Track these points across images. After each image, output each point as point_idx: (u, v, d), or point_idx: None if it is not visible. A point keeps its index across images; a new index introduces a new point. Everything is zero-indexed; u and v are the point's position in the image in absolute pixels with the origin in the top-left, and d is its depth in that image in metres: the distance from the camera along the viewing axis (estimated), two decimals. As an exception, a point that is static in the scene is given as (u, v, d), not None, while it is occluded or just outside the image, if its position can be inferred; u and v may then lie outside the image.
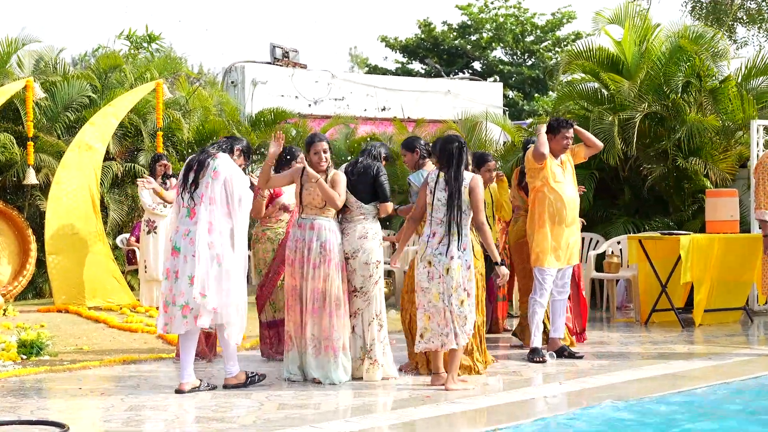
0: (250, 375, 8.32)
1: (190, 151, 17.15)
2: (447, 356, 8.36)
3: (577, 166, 10.06)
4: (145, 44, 20.62)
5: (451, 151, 8.26)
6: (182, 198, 8.14)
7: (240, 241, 8.15)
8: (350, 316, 8.60)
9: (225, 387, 8.18)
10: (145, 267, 13.53)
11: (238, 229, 8.12)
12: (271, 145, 8.51)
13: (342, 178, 8.57)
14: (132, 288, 14.43)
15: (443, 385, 8.18)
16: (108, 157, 15.28)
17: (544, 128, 9.72)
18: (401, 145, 9.50)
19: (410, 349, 9.02)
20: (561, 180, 9.70)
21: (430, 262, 8.18)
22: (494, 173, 10.15)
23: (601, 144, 10.13)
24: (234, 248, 8.12)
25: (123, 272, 14.55)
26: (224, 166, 8.10)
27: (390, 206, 8.72)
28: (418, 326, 8.30)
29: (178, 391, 8.01)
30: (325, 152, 8.60)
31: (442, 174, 8.26)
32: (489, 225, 8.53)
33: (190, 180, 8.11)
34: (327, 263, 8.45)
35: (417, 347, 8.31)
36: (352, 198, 8.62)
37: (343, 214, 8.69)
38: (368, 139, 17.15)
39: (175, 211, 8.28)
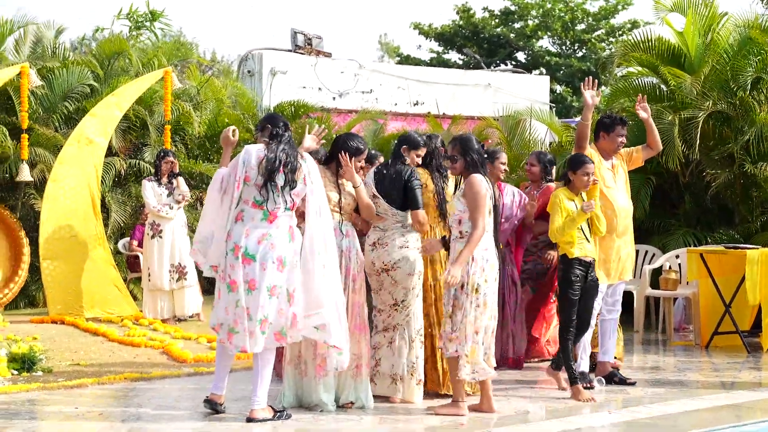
0: (278, 410, 8.04)
1: (200, 146, 17.24)
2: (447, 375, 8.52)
3: (631, 171, 10.04)
4: (147, 23, 20.71)
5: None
6: (256, 200, 7.89)
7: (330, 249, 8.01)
8: (387, 329, 8.68)
9: (248, 420, 7.90)
10: (149, 275, 13.61)
11: (326, 234, 8.00)
12: (306, 139, 8.35)
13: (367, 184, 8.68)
14: (135, 298, 14.52)
15: (463, 415, 8.21)
16: (110, 152, 15.38)
17: (587, 118, 9.54)
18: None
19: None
20: (611, 185, 9.68)
21: (496, 279, 8.36)
22: (589, 178, 9.26)
23: (661, 145, 10.10)
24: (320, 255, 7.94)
25: (125, 280, 14.65)
26: (314, 170, 8.02)
27: (422, 214, 8.66)
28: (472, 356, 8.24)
29: (210, 402, 8.03)
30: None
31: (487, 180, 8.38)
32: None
33: (278, 180, 7.87)
34: (361, 273, 8.56)
35: (477, 376, 8.29)
36: (386, 205, 8.68)
37: (374, 222, 8.74)
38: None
39: (223, 205, 7.98)
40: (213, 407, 8.05)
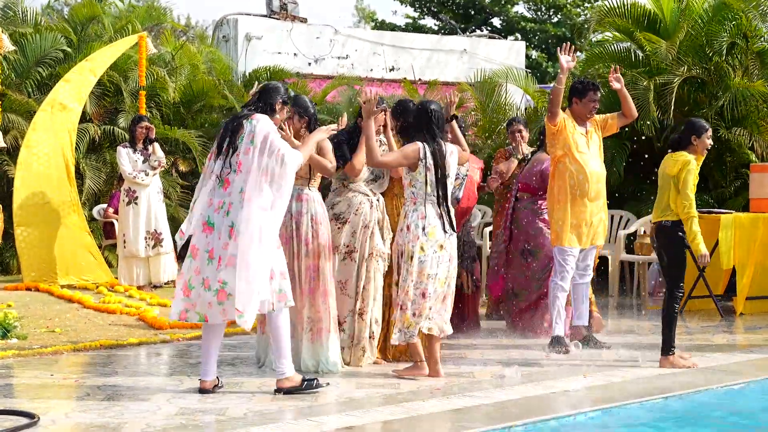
0: (307, 379, 7.85)
1: (175, 112, 17.17)
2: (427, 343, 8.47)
3: (606, 137, 10.05)
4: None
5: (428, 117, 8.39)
6: (214, 165, 7.75)
7: (278, 215, 7.68)
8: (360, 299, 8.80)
9: (277, 391, 7.76)
10: (125, 242, 13.56)
11: (279, 200, 7.63)
12: (320, 131, 8.21)
13: (329, 145, 8.62)
14: (110, 265, 14.49)
15: (425, 374, 8.31)
16: (84, 118, 15.30)
17: (561, 82, 9.55)
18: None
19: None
20: (584, 150, 9.68)
21: (442, 246, 8.29)
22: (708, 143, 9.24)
23: (636, 112, 10.09)
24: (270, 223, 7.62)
25: (100, 247, 14.60)
26: (262, 128, 7.66)
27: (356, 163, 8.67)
28: (404, 316, 8.31)
29: (202, 391, 7.75)
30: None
31: (429, 146, 8.32)
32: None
33: (225, 145, 7.72)
34: (318, 237, 8.54)
35: (402, 338, 8.36)
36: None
37: (345, 181, 8.81)
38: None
39: (203, 181, 7.81)
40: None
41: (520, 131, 11.32)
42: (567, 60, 9.55)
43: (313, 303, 8.54)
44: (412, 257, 8.23)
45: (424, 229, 8.24)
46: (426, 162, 8.26)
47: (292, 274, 8.39)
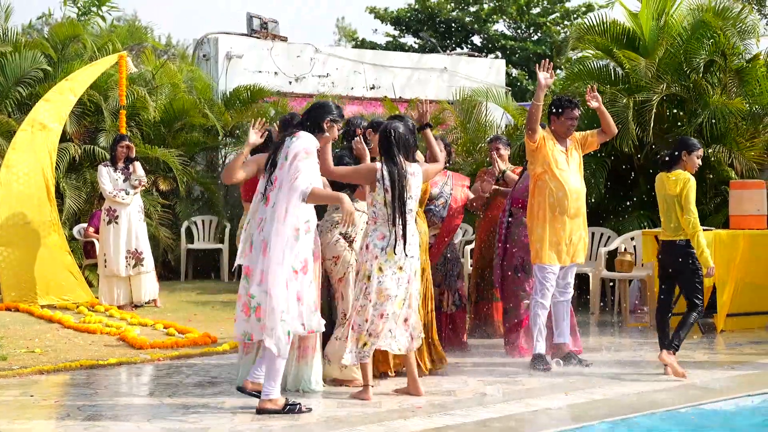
0: (290, 403, 7.80)
1: (156, 131, 17.15)
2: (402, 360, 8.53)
3: (586, 154, 10.08)
4: (94, 9, 20.48)
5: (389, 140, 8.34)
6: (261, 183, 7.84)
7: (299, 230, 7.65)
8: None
9: (259, 412, 7.71)
10: (105, 261, 13.53)
11: (293, 215, 7.61)
12: (250, 134, 8.27)
13: None
14: (90, 284, 14.44)
15: (369, 399, 8.20)
16: (64, 137, 15.27)
17: (540, 99, 9.57)
18: (369, 126, 9.45)
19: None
20: (564, 168, 9.71)
21: (401, 267, 8.24)
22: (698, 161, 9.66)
23: (615, 129, 10.13)
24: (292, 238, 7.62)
25: (80, 266, 14.56)
26: (296, 145, 7.69)
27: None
28: (360, 336, 8.28)
29: (260, 412, 7.69)
30: None
31: (387, 167, 8.29)
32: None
33: (269, 163, 7.80)
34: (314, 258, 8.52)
35: (351, 359, 8.31)
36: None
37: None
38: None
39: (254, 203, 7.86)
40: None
41: (498, 149, 11.33)
42: (545, 76, 9.59)
43: None
44: (369, 277, 8.21)
45: (383, 249, 8.22)
46: (384, 183, 8.23)
47: None
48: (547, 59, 9.87)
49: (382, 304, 8.22)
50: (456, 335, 10.73)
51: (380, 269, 8.20)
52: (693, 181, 9.38)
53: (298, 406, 7.74)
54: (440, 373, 9.34)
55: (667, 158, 9.62)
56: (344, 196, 7.85)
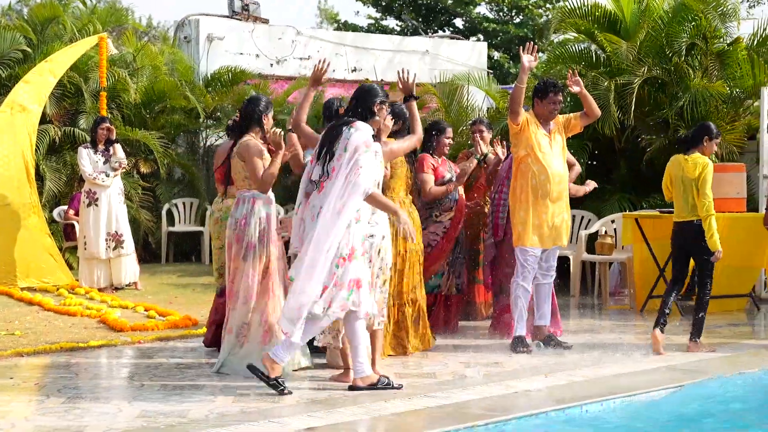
0: (381, 379, 7.92)
1: (137, 113, 17.10)
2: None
3: (567, 137, 10.09)
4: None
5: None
6: (313, 171, 7.89)
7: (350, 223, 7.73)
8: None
9: (352, 388, 7.87)
10: (85, 243, 13.51)
11: (349, 209, 7.69)
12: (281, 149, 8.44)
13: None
14: (70, 267, 14.41)
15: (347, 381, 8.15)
16: (44, 119, 15.21)
17: (523, 81, 9.59)
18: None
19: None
20: (547, 151, 9.72)
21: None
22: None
23: (599, 112, 10.13)
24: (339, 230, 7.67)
25: (60, 249, 14.52)
26: (355, 139, 7.71)
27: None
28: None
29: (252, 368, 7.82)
30: None
31: None
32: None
33: (324, 151, 7.81)
34: (266, 240, 8.58)
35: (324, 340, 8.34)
36: None
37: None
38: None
39: (303, 186, 7.95)
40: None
41: (481, 131, 11.32)
42: (529, 59, 9.59)
43: (264, 308, 8.53)
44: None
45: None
46: None
47: (238, 276, 8.46)
48: (531, 42, 9.88)
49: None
50: (449, 317, 10.72)
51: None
52: (711, 166, 9.69)
53: (388, 382, 7.88)
54: (421, 354, 9.36)
55: (687, 140, 9.97)
56: (399, 209, 7.96)
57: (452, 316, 10.78)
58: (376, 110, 7.99)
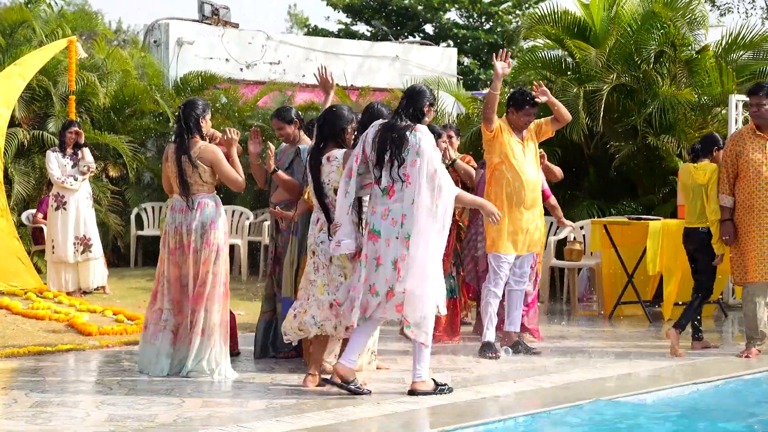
0: (440, 384, 7.98)
1: (106, 117, 17.04)
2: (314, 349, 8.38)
3: (540, 142, 10.13)
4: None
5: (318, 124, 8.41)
6: (374, 174, 7.90)
7: (444, 224, 7.88)
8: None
9: (410, 393, 7.86)
10: (53, 247, 13.45)
11: (442, 209, 7.82)
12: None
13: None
14: (38, 270, 14.32)
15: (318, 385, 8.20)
16: (13, 122, 15.13)
17: (497, 88, 9.61)
18: (274, 116, 9.56)
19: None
20: (521, 158, 9.76)
21: (314, 252, 8.19)
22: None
23: (569, 116, 10.15)
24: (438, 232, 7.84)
25: (28, 252, 14.44)
26: (425, 146, 7.79)
27: None
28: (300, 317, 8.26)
29: (325, 380, 8.00)
30: None
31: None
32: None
33: (388, 157, 7.81)
34: (209, 244, 8.65)
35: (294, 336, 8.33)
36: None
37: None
38: (305, 109, 17.08)
39: (346, 185, 7.91)
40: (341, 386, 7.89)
41: (450, 137, 11.31)
42: (502, 66, 9.61)
43: (209, 309, 8.60)
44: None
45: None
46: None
47: (184, 282, 8.60)
48: (505, 49, 9.91)
49: (306, 287, 8.24)
50: (456, 324, 10.65)
51: (313, 253, 8.23)
52: (715, 171, 10.10)
53: (447, 387, 7.94)
54: (390, 360, 9.36)
55: (697, 150, 10.49)
56: (485, 202, 8.48)
57: (458, 322, 10.76)
58: (425, 111, 8.06)
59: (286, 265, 9.08)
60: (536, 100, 9.81)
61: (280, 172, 8.93)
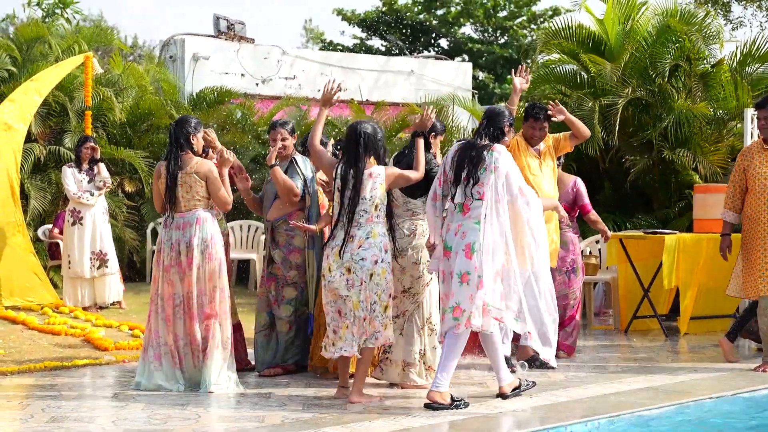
0: (456, 399, 8.05)
1: (122, 133, 17.10)
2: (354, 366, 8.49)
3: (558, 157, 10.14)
4: (58, 11, 20.36)
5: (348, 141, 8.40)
6: (450, 192, 8.19)
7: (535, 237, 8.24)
8: (397, 316, 8.78)
9: (427, 406, 7.94)
10: (69, 262, 13.49)
11: (534, 223, 8.20)
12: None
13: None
14: (55, 285, 14.36)
15: (347, 397, 8.26)
16: (29, 138, 15.19)
17: (513, 103, 9.60)
18: (279, 126, 9.66)
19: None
20: (537, 173, 9.76)
21: (349, 269, 8.21)
22: None
23: (588, 132, 10.15)
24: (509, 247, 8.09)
25: (45, 267, 14.48)
26: (504, 161, 8.07)
27: None
28: (328, 333, 8.36)
29: (428, 406, 7.92)
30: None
31: (342, 168, 8.35)
32: None
33: (465, 174, 8.07)
34: (211, 260, 8.73)
35: (328, 353, 8.37)
36: (398, 192, 8.80)
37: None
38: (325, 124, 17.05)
39: (434, 209, 8.30)
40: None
41: None
42: (521, 81, 9.63)
43: (207, 325, 8.65)
44: (324, 276, 8.33)
45: (332, 249, 8.26)
46: (336, 182, 8.33)
47: (177, 301, 8.67)
48: (523, 65, 9.93)
49: (335, 302, 8.24)
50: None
51: (329, 269, 8.24)
52: None
53: (463, 403, 8.01)
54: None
55: None
56: (557, 202, 9.25)
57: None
58: (506, 131, 8.32)
59: (309, 281, 9.16)
60: (554, 119, 9.82)
61: (277, 168, 9.03)
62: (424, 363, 8.84)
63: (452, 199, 8.13)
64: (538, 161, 9.80)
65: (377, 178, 8.27)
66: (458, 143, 8.31)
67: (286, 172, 9.32)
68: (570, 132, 10.06)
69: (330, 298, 8.26)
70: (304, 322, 9.41)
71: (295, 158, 9.44)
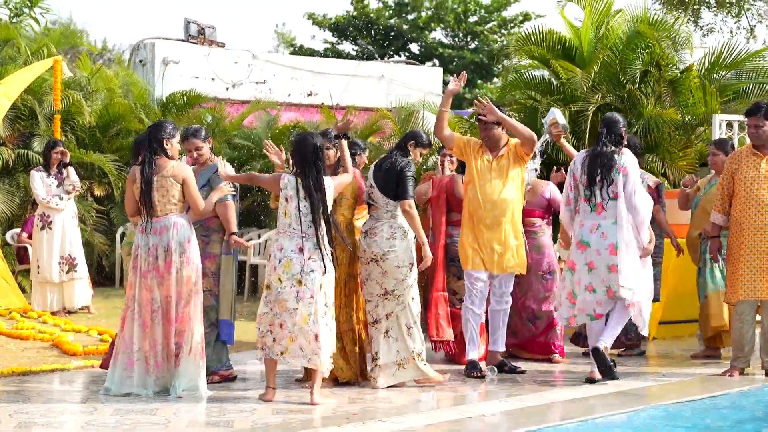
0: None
1: (91, 136, 17.04)
2: (310, 372, 8.56)
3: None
4: (26, 9, 20.25)
5: (304, 153, 8.42)
6: (583, 194, 9.36)
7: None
8: (377, 321, 8.95)
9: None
10: (38, 267, 13.44)
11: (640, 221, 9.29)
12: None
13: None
14: (23, 290, 14.32)
15: (269, 400, 8.33)
16: (-2, 142, 15.14)
17: (445, 105, 9.71)
18: (190, 136, 9.53)
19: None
20: (484, 177, 9.64)
21: (300, 281, 8.26)
22: None
23: (529, 133, 9.85)
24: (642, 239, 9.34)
25: (13, 272, 14.43)
26: (632, 168, 9.27)
27: (408, 203, 9.01)
28: (266, 340, 8.39)
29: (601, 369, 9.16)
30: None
31: (299, 180, 8.38)
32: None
33: (599, 177, 9.22)
34: (189, 263, 8.70)
35: (264, 354, 8.42)
36: (379, 194, 9.02)
37: (370, 212, 9.13)
38: (292, 128, 17.09)
39: (568, 211, 9.64)
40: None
41: (450, 156, 11.02)
42: (455, 83, 9.68)
43: (182, 330, 8.63)
44: (268, 286, 8.35)
45: (280, 261, 8.31)
46: (286, 192, 8.37)
47: (155, 306, 8.62)
48: (464, 72, 9.91)
49: (281, 314, 8.26)
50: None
51: (279, 280, 8.27)
52: None
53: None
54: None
55: None
56: None
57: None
58: (623, 135, 9.43)
59: (221, 288, 9.16)
60: (484, 119, 9.75)
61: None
62: (417, 360, 9.00)
63: (586, 200, 9.30)
64: (489, 165, 9.62)
65: (328, 189, 8.42)
66: (585, 151, 9.50)
67: (208, 181, 9.26)
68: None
69: (277, 310, 8.29)
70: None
71: (215, 165, 9.33)
